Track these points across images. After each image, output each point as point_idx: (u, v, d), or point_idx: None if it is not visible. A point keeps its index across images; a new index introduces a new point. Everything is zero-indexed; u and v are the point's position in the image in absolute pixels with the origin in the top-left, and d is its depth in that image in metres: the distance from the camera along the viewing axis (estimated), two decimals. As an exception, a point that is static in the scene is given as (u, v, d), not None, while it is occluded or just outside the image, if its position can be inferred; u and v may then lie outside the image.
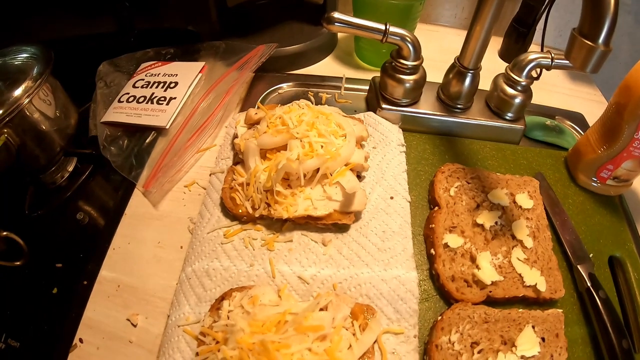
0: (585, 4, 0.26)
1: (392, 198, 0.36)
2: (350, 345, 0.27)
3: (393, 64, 0.40)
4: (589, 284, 0.35)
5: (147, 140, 0.42)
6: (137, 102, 0.44)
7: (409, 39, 0.37)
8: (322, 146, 0.33)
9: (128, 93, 0.45)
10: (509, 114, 0.43)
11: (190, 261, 0.33)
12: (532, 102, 0.46)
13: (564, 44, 0.29)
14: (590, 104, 0.54)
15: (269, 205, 0.33)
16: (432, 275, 0.34)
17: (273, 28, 0.52)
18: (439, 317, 0.31)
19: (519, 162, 0.43)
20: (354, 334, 0.28)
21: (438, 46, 0.42)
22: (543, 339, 0.32)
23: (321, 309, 0.28)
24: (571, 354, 0.32)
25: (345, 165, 0.34)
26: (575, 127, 0.50)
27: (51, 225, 0.41)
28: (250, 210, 0.33)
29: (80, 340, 0.31)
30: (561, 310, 0.33)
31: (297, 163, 0.32)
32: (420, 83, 0.41)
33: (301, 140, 0.33)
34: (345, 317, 0.28)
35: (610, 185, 0.42)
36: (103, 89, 0.47)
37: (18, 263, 0.36)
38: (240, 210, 0.34)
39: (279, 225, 0.34)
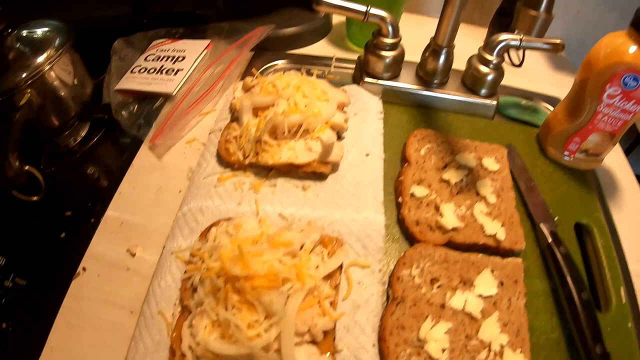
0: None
1: (367, 155, 0.44)
2: (318, 267, 0.34)
3: (374, 41, 0.48)
4: (550, 240, 0.39)
5: (155, 105, 0.51)
6: (148, 72, 0.53)
7: (387, 19, 0.46)
8: (305, 105, 0.42)
9: (140, 65, 0.55)
10: (483, 90, 0.50)
11: (186, 201, 0.41)
12: (512, 85, 0.52)
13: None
14: (572, 90, 0.61)
15: (257, 154, 0.41)
16: (399, 220, 0.40)
17: (273, 12, 0.61)
18: (402, 254, 0.38)
19: (491, 135, 0.50)
20: (322, 259, 0.35)
21: (423, 35, 0.50)
22: (502, 283, 0.36)
23: (295, 234, 0.35)
24: (532, 305, 0.36)
25: (326, 123, 0.43)
26: (551, 108, 0.56)
27: (63, 180, 0.50)
28: (242, 158, 0.42)
29: (84, 269, 0.37)
30: (521, 260, 0.38)
31: (283, 117, 0.40)
32: (399, 59, 0.49)
33: (287, 100, 0.42)
34: (314, 242, 0.35)
35: (580, 159, 0.48)
36: (117, 62, 0.57)
37: (35, 198, 0.44)
38: (232, 158, 0.42)
39: (265, 172, 0.42)
